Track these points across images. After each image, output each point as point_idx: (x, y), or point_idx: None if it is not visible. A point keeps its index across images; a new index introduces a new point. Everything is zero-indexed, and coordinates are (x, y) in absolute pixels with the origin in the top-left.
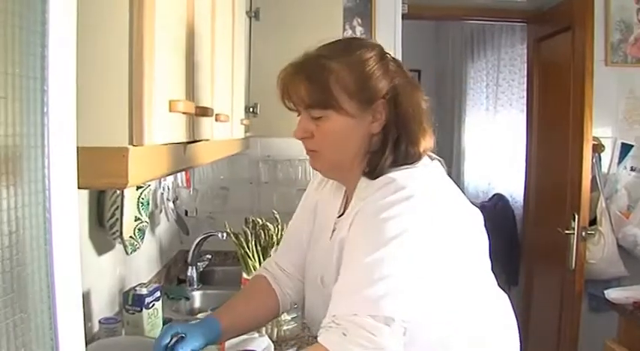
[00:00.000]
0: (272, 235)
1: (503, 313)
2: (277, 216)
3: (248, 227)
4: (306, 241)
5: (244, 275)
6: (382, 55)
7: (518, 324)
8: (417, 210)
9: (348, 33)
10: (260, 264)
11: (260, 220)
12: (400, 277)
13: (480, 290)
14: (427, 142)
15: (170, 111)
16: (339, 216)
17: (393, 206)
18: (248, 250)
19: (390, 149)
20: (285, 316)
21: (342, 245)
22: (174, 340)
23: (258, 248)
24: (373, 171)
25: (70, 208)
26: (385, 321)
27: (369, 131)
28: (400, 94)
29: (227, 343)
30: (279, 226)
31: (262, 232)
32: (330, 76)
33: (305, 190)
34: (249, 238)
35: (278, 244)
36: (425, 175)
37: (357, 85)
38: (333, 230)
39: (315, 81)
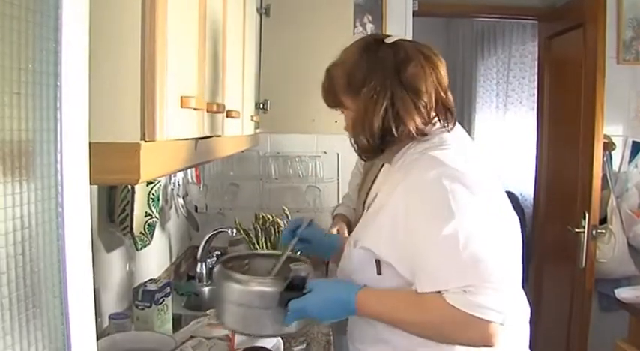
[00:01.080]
0: (282, 232)
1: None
2: (287, 212)
3: (258, 224)
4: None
5: None
6: (367, 46)
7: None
8: (463, 179)
9: (359, 30)
10: None
11: (270, 217)
12: (480, 245)
13: (517, 266)
14: (419, 119)
15: (181, 107)
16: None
17: (444, 181)
18: (258, 247)
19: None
20: None
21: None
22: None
23: (268, 245)
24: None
25: (82, 204)
26: (483, 284)
27: (372, 116)
28: (375, 80)
29: (237, 340)
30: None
31: (272, 229)
32: (332, 80)
33: (314, 186)
34: (259, 234)
35: None
36: (455, 149)
37: (345, 81)
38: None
39: (324, 87)
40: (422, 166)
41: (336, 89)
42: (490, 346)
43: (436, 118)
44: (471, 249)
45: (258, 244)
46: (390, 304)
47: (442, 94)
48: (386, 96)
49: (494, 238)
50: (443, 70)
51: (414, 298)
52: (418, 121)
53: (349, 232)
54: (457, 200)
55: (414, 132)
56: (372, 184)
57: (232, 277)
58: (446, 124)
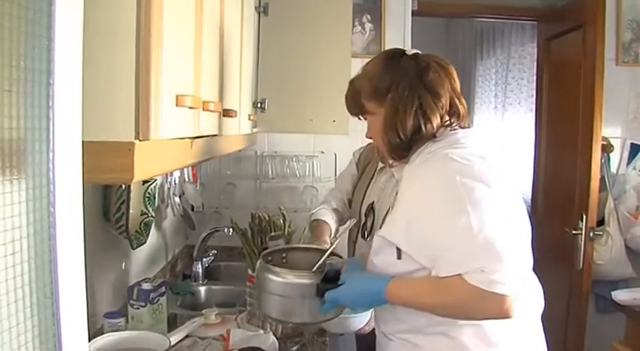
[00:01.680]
0: (280, 230)
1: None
2: (284, 212)
3: (254, 223)
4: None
5: (249, 272)
6: (390, 57)
7: None
8: (474, 174)
9: (357, 29)
10: None
11: (267, 216)
12: (492, 230)
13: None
14: (439, 118)
15: (177, 105)
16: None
17: (457, 176)
18: (254, 247)
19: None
20: None
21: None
22: None
23: (264, 245)
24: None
25: (74, 203)
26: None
27: (403, 115)
28: (401, 85)
29: (232, 339)
30: (286, 222)
31: (268, 228)
32: (357, 90)
33: (312, 185)
34: (255, 234)
35: (286, 240)
36: (472, 145)
37: (371, 89)
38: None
39: (348, 97)
40: (436, 163)
41: (360, 97)
42: (508, 318)
43: (448, 121)
44: (484, 234)
45: (254, 244)
46: (416, 291)
47: (455, 98)
48: (415, 97)
49: (505, 224)
50: (455, 77)
51: (437, 283)
52: (438, 120)
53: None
54: (469, 193)
55: (435, 130)
56: (368, 186)
57: (274, 271)
58: (458, 126)
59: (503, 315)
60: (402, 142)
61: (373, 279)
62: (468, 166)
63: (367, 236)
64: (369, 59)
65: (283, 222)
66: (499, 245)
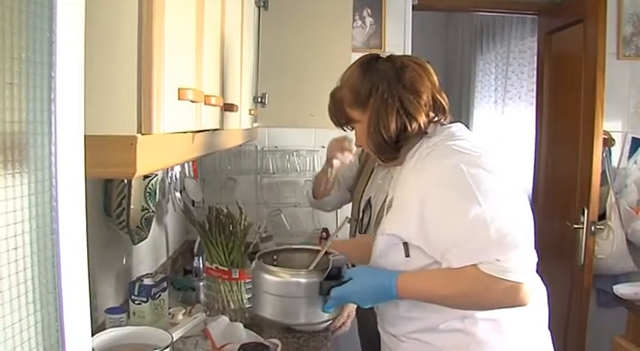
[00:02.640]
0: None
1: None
2: (241, 206)
3: (212, 216)
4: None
5: (207, 264)
6: (366, 63)
7: None
8: (480, 162)
9: (358, 24)
10: (224, 254)
11: (224, 209)
12: (504, 220)
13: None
14: (424, 116)
15: (179, 99)
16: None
17: (462, 166)
18: (212, 239)
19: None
20: None
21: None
22: None
23: (222, 237)
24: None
25: (77, 197)
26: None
27: (385, 117)
28: (380, 88)
29: (214, 335)
30: (243, 216)
31: (225, 221)
32: (338, 101)
33: (312, 180)
34: (213, 227)
35: (244, 233)
36: (468, 139)
37: (353, 97)
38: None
39: (331, 109)
40: (439, 155)
41: (343, 107)
42: (523, 305)
43: (435, 116)
44: (496, 225)
45: (212, 237)
46: (428, 283)
47: (437, 93)
48: (394, 99)
49: (516, 214)
50: (433, 73)
51: (451, 274)
52: (424, 117)
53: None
54: (477, 183)
55: (423, 127)
56: (367, 181)
57: (271, 271)
58: (444, 121)
59: (519, 303)
60: (387, 145)
61: (382, 273)
62: (474, 157)
63: (364, 232)
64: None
65: (240, 216)
66: (512, 235)
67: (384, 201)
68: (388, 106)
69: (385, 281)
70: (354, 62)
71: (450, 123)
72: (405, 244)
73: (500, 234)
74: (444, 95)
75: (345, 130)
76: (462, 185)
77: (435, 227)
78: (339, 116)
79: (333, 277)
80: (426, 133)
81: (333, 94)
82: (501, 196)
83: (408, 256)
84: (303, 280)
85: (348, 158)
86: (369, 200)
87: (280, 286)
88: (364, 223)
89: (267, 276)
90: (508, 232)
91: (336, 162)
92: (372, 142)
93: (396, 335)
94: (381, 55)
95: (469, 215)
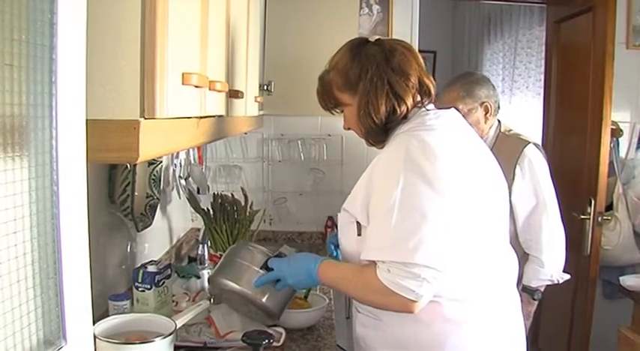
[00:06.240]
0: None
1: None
2: (246, 192)
3: (217, 203)
4: None
5: (211, 251)
6: (355, 47)
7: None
8: (427, 160)
9: (365, 11)
10: (229, 241)
11: (230, 196)
12: (415, 226)
13: (488, 240)
14: (411, 98)
15: (183, 84)
16: None
17: (392, 160)
18: (216, 226)
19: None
20: None
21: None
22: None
23: (227, 225)
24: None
25: (78, 182)
26: (415, 267)
27: (375, 100)
28: (370, 71)
29: (217, 323)
30: (248, 203)
31: (230, 208)
32: (327, 84)
33: (318, 168)
34: (217, 214)
35: (249, 220)
36: (433, 129)
37: (343, 80)
38: None
39: (319, 92)
40: (397, 143)
41: (332, 91)
42: (411, 313)
43: (420, 100)
44: (403, 227)
45: (217, 224)
46: (341, 275)
47: (424, 77)
48: (384, 82)
49: (435, 223)
50: (419, 56)
51: (357, 272)
52: (411, 99)
53: None
54: (404, 187)
55: (409, 110)
56: None
57: (251, 245)
58: (427, 104)
59: (406, 311)
60: (377, 127)
61: (312, 258)
62: (416, 161)
63: None
64: None
65: (245, 203)
66: (416, 245)
67: None
68: (378, 89)
69: (311, 265)
70: (343, 46)
71: (438, 109)
72: (358, 223)
73: (402, 238)
74: (431, 78)
75: (333, 114)
76: (389, 183)
77: (369, 210)
78: (328, 100)
79: (277, 256)
80: (407, 117)
81: (321, 78)
82: (430, 201)
83: (359, 235)
84: (258, 254)
85: None
86: None
87: (242, 253)
88: None
89: (244, 246)
90: (409, 240)
91: None
92: (362, 125)
93: (356, 307)
94: (369, 39)
95: (380, 213)
